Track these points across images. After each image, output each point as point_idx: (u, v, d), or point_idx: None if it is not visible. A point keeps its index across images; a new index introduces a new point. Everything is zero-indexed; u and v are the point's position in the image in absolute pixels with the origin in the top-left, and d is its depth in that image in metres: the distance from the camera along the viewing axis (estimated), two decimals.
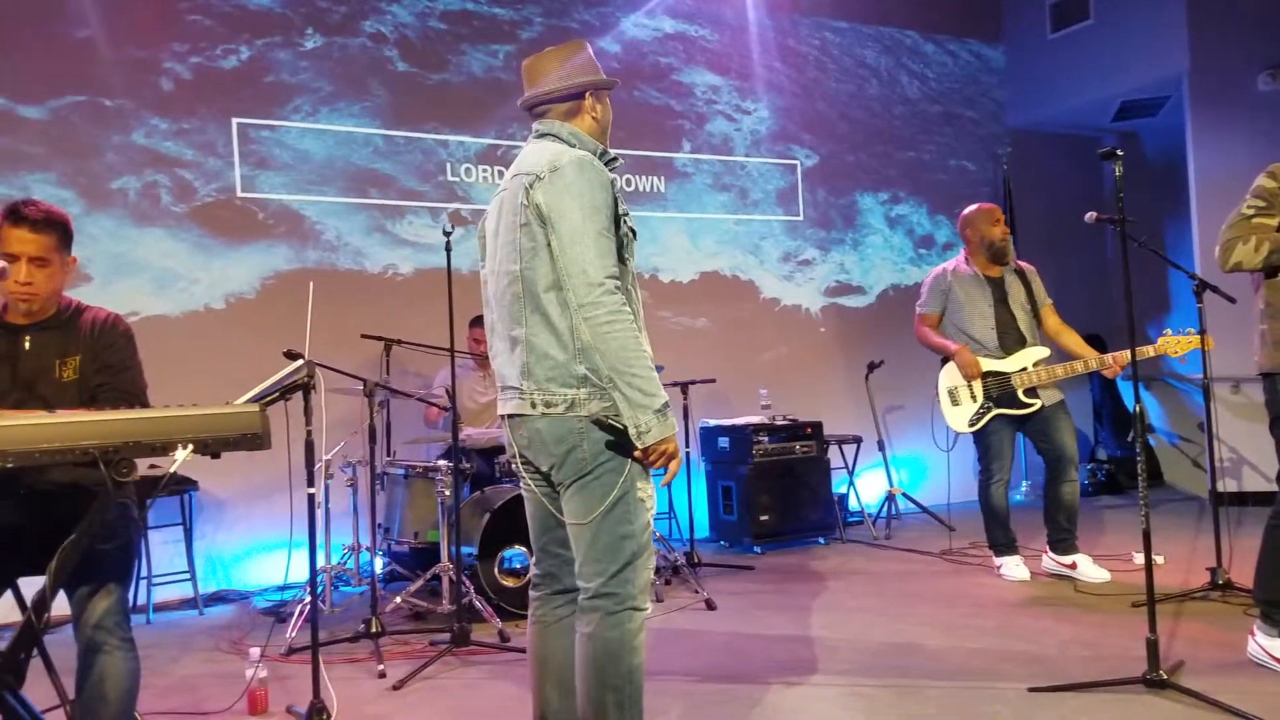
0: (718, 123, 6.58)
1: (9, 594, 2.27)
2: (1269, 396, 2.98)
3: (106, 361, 2.35)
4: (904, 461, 6.84)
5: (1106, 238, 7.62)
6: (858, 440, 6.11)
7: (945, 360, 4.45)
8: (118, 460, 1.68)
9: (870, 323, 7.03)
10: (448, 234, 3.60)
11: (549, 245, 2.04)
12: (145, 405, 2.35)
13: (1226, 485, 6.01)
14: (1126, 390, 6.57)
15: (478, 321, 5.08)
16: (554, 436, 2.07)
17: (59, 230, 2.30)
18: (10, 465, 1.66)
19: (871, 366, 6.40)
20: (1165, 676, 2.76)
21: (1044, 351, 4.33)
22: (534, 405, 2.08)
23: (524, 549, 4.04)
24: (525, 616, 3.87)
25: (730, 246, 6.57)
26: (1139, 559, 4.30)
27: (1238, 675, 2.89)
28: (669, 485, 2.14)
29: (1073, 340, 4.34)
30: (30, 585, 2.20)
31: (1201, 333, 3.94)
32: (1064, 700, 2.76)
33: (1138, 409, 2.95)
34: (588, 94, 2.23)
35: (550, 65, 2.23)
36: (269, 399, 2.34)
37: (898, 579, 4.58)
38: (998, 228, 4.38)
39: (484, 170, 5.76)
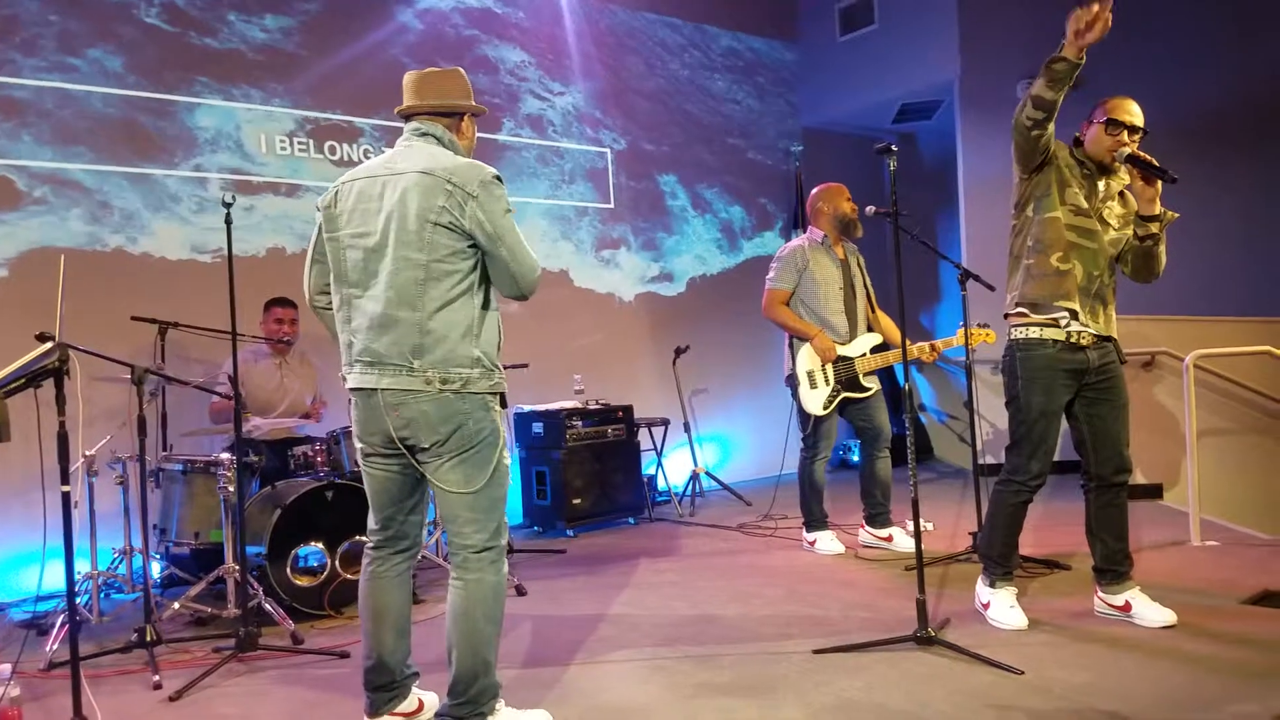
0: (529, 102, 6.52)
1: None
2: (1007, 361, 3.20)
3: None
4: (707, 441, 7.10)
5: (886, 231, 8.18)
6: (665, 422, 6.27)
7: (792, 341, 4.52)
8: None
9: (678, 309, 7.22)
10: (228, 205, 3.34)
11: (471, 247, 2.31)
12: None
13: (987, 458, 6.65)
14: (898, 370, 7.12)
15: (279, 302, 4.77)
16: (441, 416, 2.29)
17: None
18: None
19: (679, 351, 6.59)
20: (933, 633, 3.02)
21: (877, 338, 4.56)
22: (429, 382, 2.28)
23: (320, 545, 3.86)
24: (322, 616, 3.77)
25: (544, 232, 6.55)
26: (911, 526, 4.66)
27: (998, 630, 3.19)
28: None
29: (888, 326, 4.64)
30: None
31: (984, 326, 4.28)
32: (845, 660, 2.96)
33: (907, 387, 3.21)
34: (466, 115, 2.53)
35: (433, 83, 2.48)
36: (11, 386, 2.10)
37: (698, 554, 4.75)
38: (849, 203, 4.55)
39: (271, 140, 5.41)
